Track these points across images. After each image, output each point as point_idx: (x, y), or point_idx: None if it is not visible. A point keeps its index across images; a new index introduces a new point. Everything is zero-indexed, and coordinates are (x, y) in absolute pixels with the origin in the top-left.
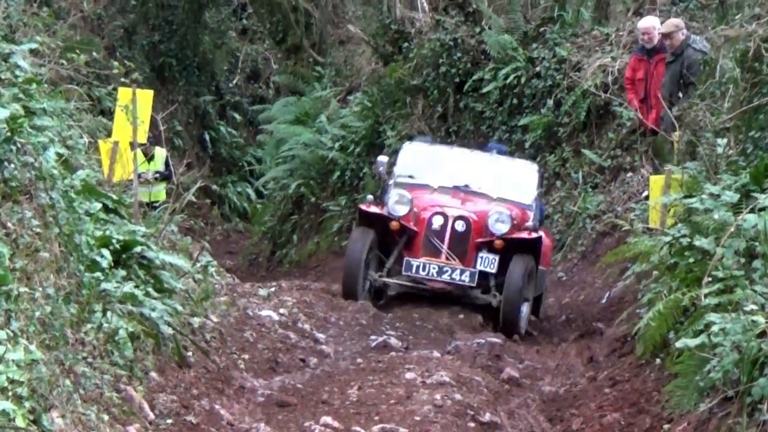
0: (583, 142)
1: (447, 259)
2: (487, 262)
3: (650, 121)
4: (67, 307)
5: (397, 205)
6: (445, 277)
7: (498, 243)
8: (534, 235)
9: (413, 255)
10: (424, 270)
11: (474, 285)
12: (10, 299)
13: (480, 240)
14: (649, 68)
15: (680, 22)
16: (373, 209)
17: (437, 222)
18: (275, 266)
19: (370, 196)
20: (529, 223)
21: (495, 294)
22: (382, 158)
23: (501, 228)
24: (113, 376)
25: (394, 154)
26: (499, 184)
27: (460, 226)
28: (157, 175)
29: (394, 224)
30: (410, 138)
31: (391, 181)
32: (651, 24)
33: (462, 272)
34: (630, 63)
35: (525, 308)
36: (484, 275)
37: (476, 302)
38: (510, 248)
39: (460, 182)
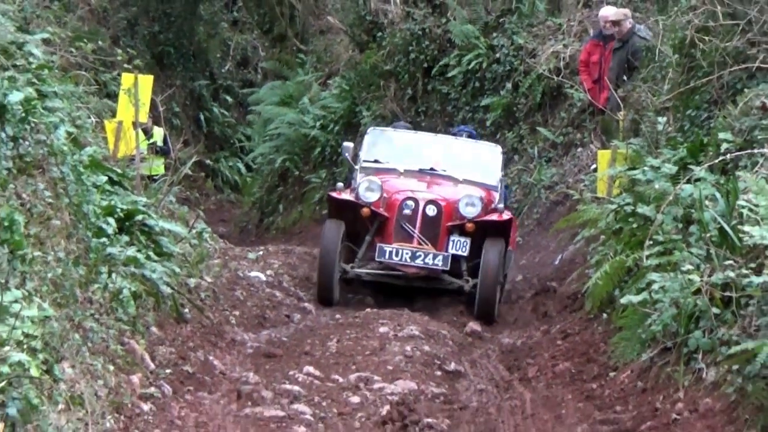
0: (538, 121)
1: (419, 243)
2: (459, 245)
3: (601, 101)
4: (77, 269)
5: (367, 192)
6: (419, 261)
7: (469, 226)
8: (505, 217)
9: (385, 241)
10: (397, 255)
11: (447, 269)
12: (25, 262)
13: (451, 224)
14: (603, 53)
15: (628, 11)
16: (344, 196)
17: (408, 207)
18: (263, 232)
19: (340, 184)
20: (496, 204)
21: (467, 279)
22: (348, 144)
23: (471, 211)
24: (118, 330)
25: (359, 138)
26: (465, 166)
27: (431, 210)
28: (158, 149)
29: (365, 211)
30: (383, 119)
31: (357, 166)
32: (617, 14)
33: (435, 256)
34: (586, 47)
35: (498, 292)
36: (455, 259)
37: (449, 288)
38: (480, 231)
39: (425, 166)
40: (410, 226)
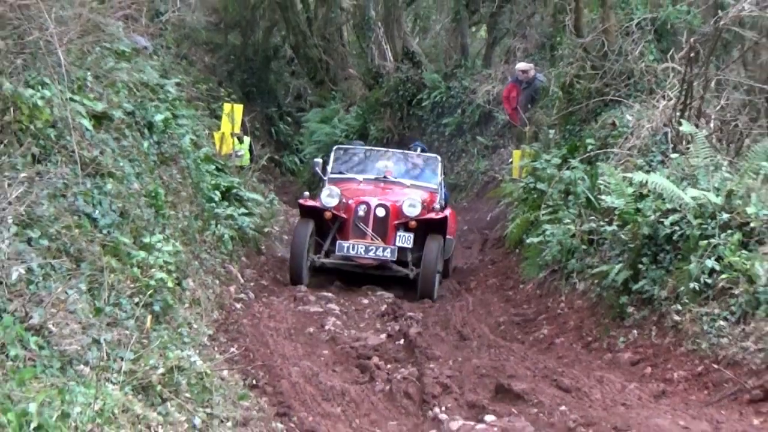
0: (477, 132)
1: (372, 239)
2: (404, 240)
3: (517, 121)
4: (196, 222)
5: (327, 198)
6: (371, 254)
7: (412, 224)
8: (441, 215)
9: (344, 238)
10: (353, 249)
11: (394, 259)
12: (164, 217)
13: (397, 222)
14: (519, 91)
15: (532, 65)
16: (311, 203)
17: (362, 210)
18: None
19: (306, 193)
20: (436, 204)
21: (412, 268)
22: (317, 160)
23: (412, 211)
24: (221, 259)
25: (326, 155)
26: (411, 174)
27: (380, 212)
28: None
29: (327, 214)
30: (384, 131)
31: (325, 177)
32: (526, 66)
33: (384, 249)
34: (508, 87)
35: (437, 278)
36: (402, 251)
37: (397, 275)
38: (422, 227)
39: (380, 174)
40: (364, 225)
